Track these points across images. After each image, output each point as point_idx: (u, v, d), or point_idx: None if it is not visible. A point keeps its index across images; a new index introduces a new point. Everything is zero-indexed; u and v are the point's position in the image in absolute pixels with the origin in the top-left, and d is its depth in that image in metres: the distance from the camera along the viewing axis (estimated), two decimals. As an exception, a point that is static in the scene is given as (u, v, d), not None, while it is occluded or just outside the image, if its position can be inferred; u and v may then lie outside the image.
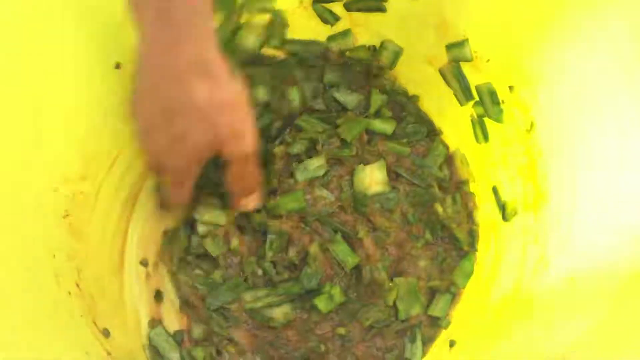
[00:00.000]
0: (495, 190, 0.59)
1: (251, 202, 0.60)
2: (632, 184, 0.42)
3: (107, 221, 0.63)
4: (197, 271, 0.64)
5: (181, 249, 0.64)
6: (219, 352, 0.60)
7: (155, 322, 0.62)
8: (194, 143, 0.51)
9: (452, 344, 0.56)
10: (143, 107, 0.52)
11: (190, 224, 0.65)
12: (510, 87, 0.55)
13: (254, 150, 0.53)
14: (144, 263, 0.64)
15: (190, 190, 0.56)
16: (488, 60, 0.57)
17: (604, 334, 0.35)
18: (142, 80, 0.52)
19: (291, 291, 0.61)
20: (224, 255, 0.64)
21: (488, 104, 0.59)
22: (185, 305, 0.63)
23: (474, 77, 0.59)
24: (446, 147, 0.64)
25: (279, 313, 0.60)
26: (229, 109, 0.51)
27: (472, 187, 0.63)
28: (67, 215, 0.58)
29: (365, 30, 0.64)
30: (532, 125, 0.53)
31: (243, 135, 0.52)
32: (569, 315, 0.41)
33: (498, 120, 0.59)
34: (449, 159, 0.64)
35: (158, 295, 0.64)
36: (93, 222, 0.61)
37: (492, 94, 0.58)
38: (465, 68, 0.59)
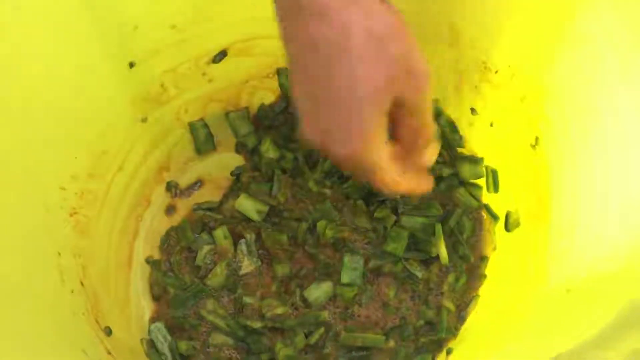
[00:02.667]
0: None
1: (433, 153, 0.48)
2: (631, 199, 0.41)
3: (115, 220, 0.63)
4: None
5: (182, 248, 0.64)
6: (204, 344, 0.60)
7: (157, 318, 0.62)
8: (366, 91, 0.39)
9: (449, 352, 0.55)
10: (296, 80, 0.42)
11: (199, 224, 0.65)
12: (522, 99, 0.54)
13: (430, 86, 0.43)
14: (149, 261, 0.64)
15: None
16: (497, 72, 0.56)
17: (596, 346, 0.35)
18: (289, 46, 0.42)
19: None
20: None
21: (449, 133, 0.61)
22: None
23: (484, 86, 0.58)
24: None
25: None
26: (397, 37, 0.40)
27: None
28: (75, 213, 0.58)
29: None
30: (537, 139, 0.52)
31: (420, 69, 0.41)
32: (562, 326, 0.40)
33: (460, 146, 0.61)
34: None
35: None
36: (101, 220, 0.62)
37: (451, 124, 0.61)
38: (474, 77, 0.58)
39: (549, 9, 0.51)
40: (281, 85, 0.67)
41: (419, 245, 0.59)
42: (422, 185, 0.47)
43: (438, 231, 0.58)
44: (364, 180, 0.46)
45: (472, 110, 0.60)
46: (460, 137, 0.62)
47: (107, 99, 0.59)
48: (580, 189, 0.47)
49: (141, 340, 0.60)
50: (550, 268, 0.46)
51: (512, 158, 0.56)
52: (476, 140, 0.61)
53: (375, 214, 0.60)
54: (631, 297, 0.34)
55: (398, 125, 0.44)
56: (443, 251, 0.58)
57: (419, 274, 0.58)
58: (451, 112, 0.62)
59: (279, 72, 0.66)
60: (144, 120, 0.64)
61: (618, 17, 0.46)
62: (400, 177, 0.45)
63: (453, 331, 0.56)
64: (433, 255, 0.58)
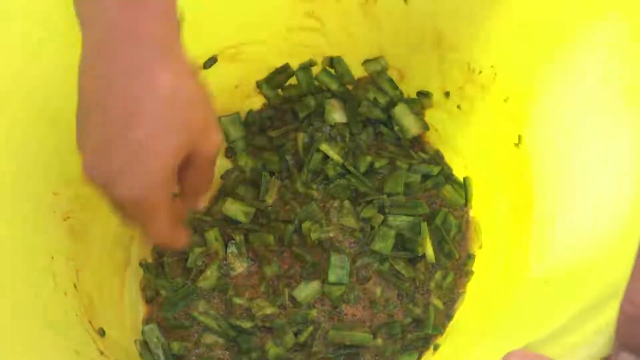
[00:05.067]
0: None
1: (203, 202, 0.51)
2: (605, 194, 0.42)
3: (109, 224, 0.63)
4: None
5: (174, 251, 0.64)
6: (196, 344, 0.60)
7: (150, 319, 0.62)
8: (164, 149, 0.40)
9: (435, 347, 0.55)
10: (90, 120, 0.42)
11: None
12: (505, 100, 0.55)
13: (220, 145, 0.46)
14: (142, 264, 0.65)
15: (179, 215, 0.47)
16: (480, 72, 0.56)
17: (565, 332, 0.35)
18: (88, 85, 0.42)
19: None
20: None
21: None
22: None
23: (468, 87, 0.58)
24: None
25: None
26: (199, 100, 0.42)
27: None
28: (68, 217, 0.58)
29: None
30: (520, 138, 0.52)
31: (215, 130, 0.44)
32: (539, 316, 0.41)
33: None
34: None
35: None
36: (95, 224, 0.61)
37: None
38: (458, 78, 0.58)
39: (531, 11, 0.51)
40: (265, 96, 0.68)
41: (405, 244, 0.59)
42: (182, 238, 0.48)
43: (424, 230, 0.58)
44: (132, 225, 0.47)
45: (458, 107, 0.60)
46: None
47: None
48: (560, 185, 0.47)
49: (135, 341, 0.60)
50: (531, 262, 0.46)
51: (496, 157, 0.56)
52: (461, 140, 0.61)
53: (362, 214, 0.60)
54: (598, 287, 0.35)
55: (184, 169, 0.44)
56: (429, 250, 0.58)
57: (406, 273, 0.58)
58: (436, 112, 0.63)
59: (258, 84, 0.67)
60: (136, 124, 0.64)
61: (598, 19, 0.46)
62: (169, 228, 0.45)
63: (440, 329, 0.56)
64: (419, 254, 0.58)
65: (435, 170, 0.62)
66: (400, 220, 0.59)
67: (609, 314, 0.31)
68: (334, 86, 0.66)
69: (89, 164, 0.43)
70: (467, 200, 0.61)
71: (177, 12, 0.42)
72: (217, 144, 0.45)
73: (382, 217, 0.60)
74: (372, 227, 0.60)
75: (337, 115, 0.66)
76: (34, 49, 0.53)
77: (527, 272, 0.46)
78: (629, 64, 0.44)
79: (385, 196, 0.60)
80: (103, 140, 0.41)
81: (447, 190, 0.62)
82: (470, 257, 0.59)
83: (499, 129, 0.55)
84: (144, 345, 0.60)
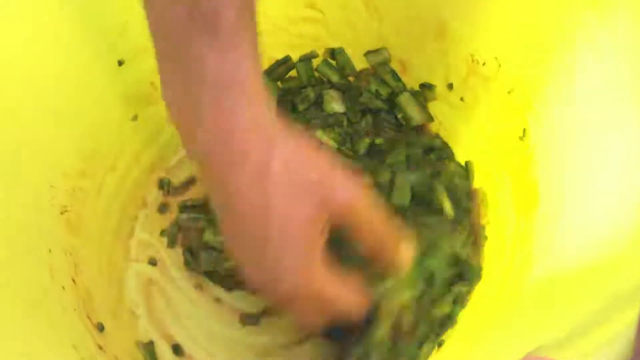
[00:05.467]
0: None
1: (406, 253, 0.48)
2: (614, 189, 0.40)
3: (108, 218, 0.62)
4: None
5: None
6: None
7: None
8: (301, 230, 0.40)
9: (440, 343, 0.54)
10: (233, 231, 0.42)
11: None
12: (510, 92, 0.53)
13: (367, 191, 0.43)
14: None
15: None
16: (484, 64, 0.55)
17: (575, 336, 0.34)
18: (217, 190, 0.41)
19: None
20: None
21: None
22: None
23: (472, 79, 0.57)
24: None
25: None
26: (329, 168, 0.41)
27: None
28: (66, 211, 0.58)
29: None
30: (524, 131, 0.51)
31: (353, 185, 0.42)
32: (545, 317, 0.39)
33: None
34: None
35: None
36: (93, 218, 0.61)
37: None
38: (462, 70, 0.57)
39: (536, 1, 0.50)
40: None
41: (420, 198, 0.57)
42: (361, 301, 0.46)
43: (436, 184, 0.56)
44: (311, 319, 0.45)
45: (461, 100, 0.59)
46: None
47: (96, 98, 0.59)
48: (567, 179, 0.46)
49: (136, 342, 0.60)
50: (535, 259, 0.45)
51: (500, 150, 0.55)
52: (465, 132, 0.60)
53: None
54: (613, 288, 0.34)
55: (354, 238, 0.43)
56: (447, 203, 0.56)
57: None
58: (439, 105, 0.62)
59: None
60: (135, 118, 0.63)
61: (605, 9, 0.45)
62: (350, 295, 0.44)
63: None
64: (438, 207, 0.56)
65: (438, 142, 0.61)
66: (409, 176, 0.57)
67: (630, 316, 0.30)
68: (334, 78, 0.65)
69: (249, 276, 0.43)
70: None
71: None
72: (357, 187, 0.42)
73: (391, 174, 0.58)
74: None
75: (335, 105, 0.64)
76: (31, 42, 0.52)
77: (530, 269, 0.45)
78: (637, 56, 0.43)
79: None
80: (245, 250, 0.42)
81: (452, 166, 0.60)
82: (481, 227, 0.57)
83: (503, 122, 0.54)
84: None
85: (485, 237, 0.56)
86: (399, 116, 0.63)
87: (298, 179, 0.39)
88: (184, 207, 0.65)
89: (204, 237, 0.62)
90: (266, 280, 0.42)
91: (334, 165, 0.42)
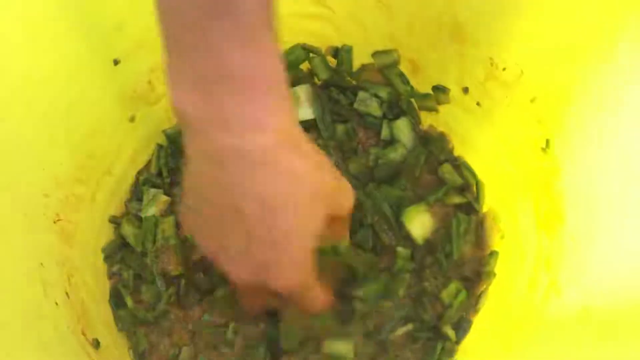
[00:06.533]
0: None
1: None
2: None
3: (102, 225, 0.60)
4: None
5: None
6: None
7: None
8: (309, 236, 0.40)
9: None
10: (219, 222, 0.40)
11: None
12: (532, 100, 0.50)
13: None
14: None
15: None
16: (504, 69, 0.51)
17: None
18: (207, 184, 0.39)
19: None
20: None
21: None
22: None
23: (490, 84, 0.53)
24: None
25: None
26: (328, 173, 0.42)
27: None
28: (59, 220, 0.54)
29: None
30: (547, 142, 0.48)
31: (345, 194, 0.44)
32: (579, 347, 0.37)
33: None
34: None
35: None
36: (87, 226, 0.58)
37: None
38: (479, 74, 0.54)
39: (564, 6, 0.46)
40: None
41: None
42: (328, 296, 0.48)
43: None
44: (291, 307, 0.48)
45: (478, 104, 0.56)
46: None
47: (91, 99, 0.55)
48: (597, 195, 0.43)
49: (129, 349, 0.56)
50: (563, 282, 0.42)
51: (521, 161, 0.51)
52: (480, 138, 0.56)
53: None
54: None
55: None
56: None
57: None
58: (453, 108, 0.58)
59: None
60: (132, 119, 0.60)
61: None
62: (322, 293, 0.46)
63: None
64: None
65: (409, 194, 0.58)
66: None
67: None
68: (324, 75, 0.62)
69: (233, 267, 0.42)
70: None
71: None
72: (350, 206, 0.45)
73: None
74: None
75: (302, 111, 0.60)
76: (24, 42, 0.48)
77: (558, 294, 0.41)
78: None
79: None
80: (243, 238, 0.39)
81: (446, 170, 0.58)
82: (492, 254, 0.54)
83: (524, 131, 0.50)
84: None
85: (494, 274, 0.54)
86: (384, 135, 0.60)
87: (316, 186, 0.40)
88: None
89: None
90: (264, 276, 0.41)
91: (340, 175, 0.44)
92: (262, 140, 0.36)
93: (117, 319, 0.57)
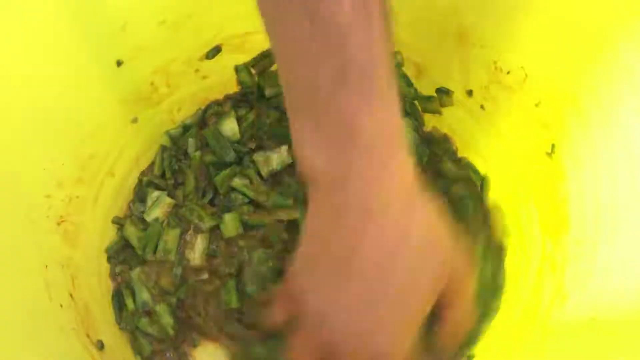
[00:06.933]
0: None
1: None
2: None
3: (106, 226, 0.59)
4: None
5: None
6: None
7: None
8: (421, 301, 0.39)
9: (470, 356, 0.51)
10: (335, 278, 0.39)
11: None
12: (537, 104, 0.50)
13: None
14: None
15: None
16: (508, 72, 0.51)
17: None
18: (329, 240, 0.39)
19: None
20: None
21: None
22: None
23: (494, 87, 0.53)
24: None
25: None
26: (446, 238, 0.40)
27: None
28: (62, 221, 0.54)
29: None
30: (553, 147, 0.48)
31: (463, 267, 0.42)
32: (585, 353, 0.36)
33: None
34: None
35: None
36: (91, 227, 0.57)
37: None
38: (483, 77, 0.54)
39: (569, 5, 0.46)
40: (242, 83, 0.62)
41: None
42: None
43: None
44: None
45: (482, 107, 0.55)
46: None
47: (94, 100, 0.55)
48: (602, 201, 0.42)
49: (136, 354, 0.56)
50: (567, 291, 0.42)
51: (525, 166, 0.51)
52: (484, 141, 0.56)
53: None
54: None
55: (440, 317, 0.42)
56: None
57: None
58: (457, 111, 0.58)
59: (237, 69, 0.62)
60: (135, 120, 0.59)
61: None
62: None
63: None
64: None
65: None
66: None
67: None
68: None
69: (344, 323, 0.39)
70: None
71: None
72: (469, 271, 0.42)
73: None
74: None
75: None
76: (26, 44, 0.48)
77: (563, 301, 0.41)
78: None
79: None
80: (360, 295, 0.38)
81: (448, 167, 0.57)
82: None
83: (529, 135, 0.50)
84: None
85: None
86: None
87: (429, 251, 0.38)
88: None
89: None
90: (367, 338, 0.39)
91: (454, 242, 0.41)
92: (382, 196, 0.37)
93: (119, 320, 0.57)
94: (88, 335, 0.52)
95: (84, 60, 0.53)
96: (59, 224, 0.54)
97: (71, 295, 0.53)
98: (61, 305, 0.51)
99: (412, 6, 0.55)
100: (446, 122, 0.60)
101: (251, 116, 0.61)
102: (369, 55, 0.34)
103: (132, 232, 0.58)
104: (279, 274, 0.53)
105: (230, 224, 0.56)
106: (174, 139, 0.62)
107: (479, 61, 0.53)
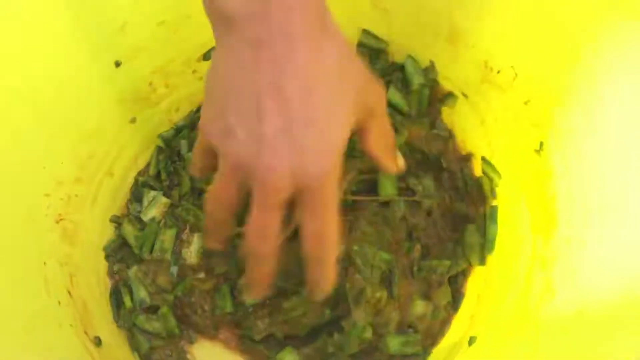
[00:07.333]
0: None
1: (400, 161, 0.50)
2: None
3: (104, 225, 0.60)
4: None
5: None
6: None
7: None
8: (346, 118, 0.40)
9: (471, 341, 0.51)
10: (256, 108, 0.39)
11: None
12: (526, 102, 0.50)
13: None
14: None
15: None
16: (498, 72, 0.52)
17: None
18: (244, 71, 0.39)
19: None
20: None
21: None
22: None
23: (485, 87, 0.54)
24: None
25: None
26: (356, 60, 0.42)
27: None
28: (61, 219, 0.55)
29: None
30: (541, 145, 0.49)
31: (374, 82, 0.43)
32: (573, 346, 0.37)
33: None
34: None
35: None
36: (90, 225, 0.58)
37: None
38: (474, 77, 0.54)
39: (557, 7, 0.47)
40: None
41: None
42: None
43: None
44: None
45: (473, 106, 0.56)
46: None
47: (93, 100, 0.56)
48: (591, 198, 0.43)
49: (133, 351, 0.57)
50: (556, 282, 0.43)
51: (515, 164, 0.52)
52: (476, 144, 0.57)
53: None
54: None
55: (363, 138, 0.45)
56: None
57: None
58: (449, 113, 0.59)
59: (205, 57, 0.62)
60: (133, 120, 0.60)
61: (633, 16, 0.42)
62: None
63: None
64: None
65: None
66: None
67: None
68: None
69: (274, 153, 0.39)
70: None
71: None
72: (383, 93, 0.44)
73: None
74: None
75: None
76: (25, 43, 0.49)
77: (552, 296, 0.42)
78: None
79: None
80: (281, 120, 0.38)
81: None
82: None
83: (518, 133, 0.51)
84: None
85: None
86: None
87: (345, 76, 0.40)
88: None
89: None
90: (301, 164, 0.39)
91: (365, 69, 0.43)
92: (302, 23, 0.38)
93: (117, 317, 0.58)
94: (86, 332, 0.53)
95: (83, 61, 0.54)
96: (57, 222, 0.54)
97: (69, 293, 0.53)
98: (59, 302, 0.51)
99: (404, 8, 0.56)
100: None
101: None
102: None
103: (129, 231, 0.59)
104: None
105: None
106: (167, 141, 0.63)
107: (470, 61, 0.54)
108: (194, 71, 0.62)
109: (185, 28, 0.58)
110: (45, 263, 0.51)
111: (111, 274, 0.60)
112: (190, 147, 0.62)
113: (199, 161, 0.47)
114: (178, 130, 0.63)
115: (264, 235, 0.42)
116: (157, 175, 0.63)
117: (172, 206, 0.60)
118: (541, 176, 0.48)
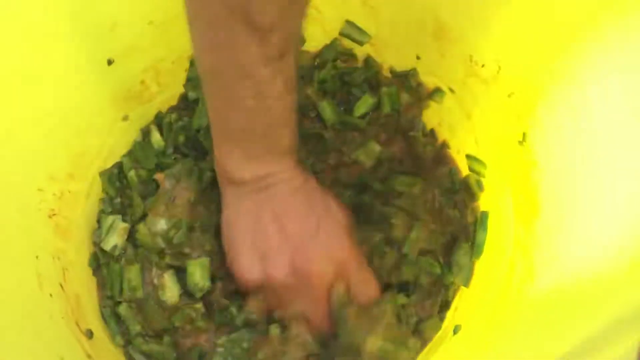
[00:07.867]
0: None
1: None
2: (623, 198, 0.38)
3: (96, 223, 0.61)
4: None
5: None
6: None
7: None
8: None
9: (456, 330, 0.52)
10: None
11: None
12: (510, 95, 0.51)
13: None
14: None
15: None
16: (483, 66, 0.52)
17: (592, 348, 0.32)
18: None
19: None
20: None
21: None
22: None
23: (470, 80, 0.55)
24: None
25: None
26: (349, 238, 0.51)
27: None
28: (54, 214, 0.55)
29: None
30: (524, 136, 0.49)
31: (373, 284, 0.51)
32: (554, 327, 0.37)
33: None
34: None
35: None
36: (82, 221, 0.59)
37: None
38: (460, 71, 0.55)
39: (540, 2, 0.48)
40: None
41: None
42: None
43: None
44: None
45: (459, 100, 0.57)
46: None
47: (85, 98, 0.56)
48: (569, 187, 0.44)
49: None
50: (536, 271, 0.43)
51: (499, 154, 0.53)
52: (462, 136, 0.57)
53: None
54: (614, 309, 0.32)
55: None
56: None
57: None
58: (435, 107, 0.60)
59: (192, 63, 0.62)
60: (125, 118, 0.61)
61: (614, 11, 0.42)
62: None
63: None
64: None
65: None
66: None
67: (631, 340, 0.28)
68: None
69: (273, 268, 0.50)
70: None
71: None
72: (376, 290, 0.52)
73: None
74: None
75: None
76: (17, 41, 0.50)
77: (532, 278, 0.42)
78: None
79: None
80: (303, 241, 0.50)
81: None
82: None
83: (503, 125, 0.51)
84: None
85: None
86: None
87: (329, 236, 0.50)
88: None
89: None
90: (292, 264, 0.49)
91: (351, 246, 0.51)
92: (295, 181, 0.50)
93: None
94: (77, 324, 0.53)
95: (75, 59, 0.54)
96: (50, 217, 0.55)
97: (61, 286, 0.54)
98: (51, 295, 0.52)
99: (391, 5, 0.57)
100: (424, 114, 0.61)
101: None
102: (283, 104, 0.45)
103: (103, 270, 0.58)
104: None
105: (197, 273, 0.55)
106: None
107: (456, 55, 0.54)
108: (186, 70, 0.62)
109: (176, 27, 0.58)
110: (37, 257, 0.52)
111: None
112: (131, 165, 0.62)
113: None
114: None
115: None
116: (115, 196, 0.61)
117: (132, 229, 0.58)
118: (524, 167, 0.49)
